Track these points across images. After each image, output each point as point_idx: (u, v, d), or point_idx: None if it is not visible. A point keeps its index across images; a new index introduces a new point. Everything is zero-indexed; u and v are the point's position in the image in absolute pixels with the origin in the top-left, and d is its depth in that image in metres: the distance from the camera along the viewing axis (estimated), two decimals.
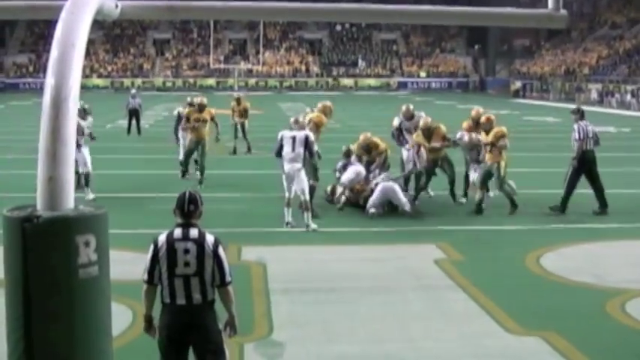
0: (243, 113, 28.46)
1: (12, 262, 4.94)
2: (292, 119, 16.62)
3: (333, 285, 12.06)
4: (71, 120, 5.02)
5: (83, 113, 19.23)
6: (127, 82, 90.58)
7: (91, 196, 18.34)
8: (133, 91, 39.58)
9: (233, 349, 9.49)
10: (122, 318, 9.96)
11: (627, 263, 13.85)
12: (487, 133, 17.70)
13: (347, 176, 17.84)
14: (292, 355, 9.44)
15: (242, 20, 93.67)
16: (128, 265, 10.78)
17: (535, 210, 17.72)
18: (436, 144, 18.39)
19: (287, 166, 15.73)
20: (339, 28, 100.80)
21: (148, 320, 7.12)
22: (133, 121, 35.54)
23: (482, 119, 18.32)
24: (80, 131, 17.74)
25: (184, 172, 22.17)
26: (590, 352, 9.53)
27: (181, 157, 22.72)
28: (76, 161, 16.57)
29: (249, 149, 28.42)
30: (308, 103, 62.72)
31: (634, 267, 13.57)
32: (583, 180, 17.58)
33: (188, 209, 7.02)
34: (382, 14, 8.18)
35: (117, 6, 6.00)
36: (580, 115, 17.82)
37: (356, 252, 11.98)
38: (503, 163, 17.40)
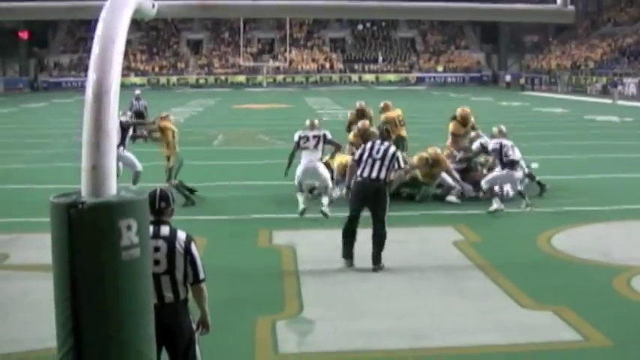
0: None
1: (59, 246, 4.93)
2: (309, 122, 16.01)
3: (359, 265, 12.02)
4: (112, 112, 5.01)
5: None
6: (162, 79, 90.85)
7: None
8: (137, 91, 34.07)
9: (266, 327, 9.52)
10: None
11: (631, 242, 13.80)
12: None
13: None
14: (321, 332, 9.40)
15: (270, 20, 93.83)
16: None
17: (546, 194, 17.61)
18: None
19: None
20: (360, 27, 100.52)
21: None
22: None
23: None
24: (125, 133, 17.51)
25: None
26: (599, 324, 9.45)
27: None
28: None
29: None
30: (332, 98, 62.99)
31: (638, 245, 13.53)
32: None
33: (159, 206, 6.48)
34: (399, 11, 8.16)
35: (153, 6, 5.98)
36: None
37: None
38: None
